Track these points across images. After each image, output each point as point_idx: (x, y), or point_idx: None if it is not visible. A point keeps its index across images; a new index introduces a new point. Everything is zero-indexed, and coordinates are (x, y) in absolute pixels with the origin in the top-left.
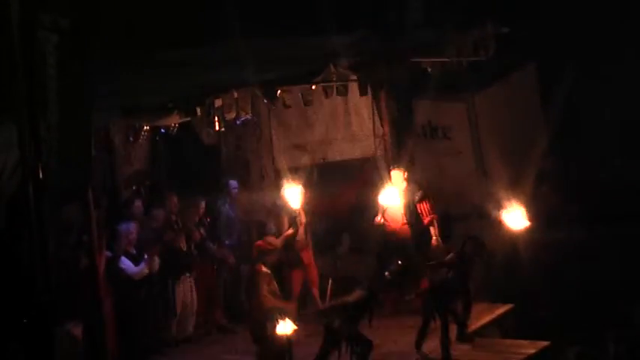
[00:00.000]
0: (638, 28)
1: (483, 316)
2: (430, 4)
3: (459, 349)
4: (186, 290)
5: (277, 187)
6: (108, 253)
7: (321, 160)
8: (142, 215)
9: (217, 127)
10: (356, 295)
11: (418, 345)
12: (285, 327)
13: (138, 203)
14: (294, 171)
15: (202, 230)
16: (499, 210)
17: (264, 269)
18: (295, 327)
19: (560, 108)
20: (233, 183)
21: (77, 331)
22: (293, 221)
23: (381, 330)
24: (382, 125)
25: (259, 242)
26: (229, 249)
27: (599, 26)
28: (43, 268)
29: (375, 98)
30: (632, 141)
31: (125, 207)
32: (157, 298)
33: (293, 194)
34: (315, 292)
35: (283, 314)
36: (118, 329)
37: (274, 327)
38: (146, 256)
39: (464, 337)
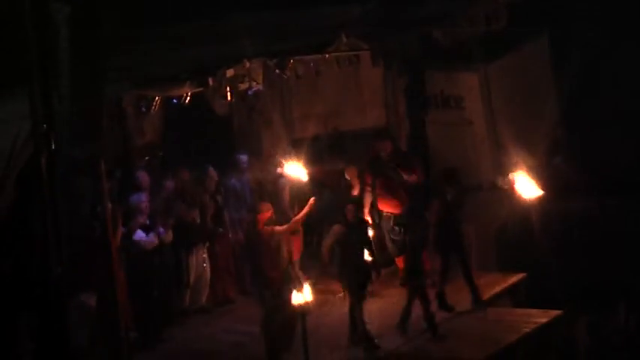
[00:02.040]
0: None
1: (496, 285)
2: None
3: (469, 318)
4: (199, 261)
5: (288, 157)
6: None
7: (333, 130)
8: (149, 185)
9: (229, 98)
10: (335, 230)
11: (403, 322)
12: (299, 296)
13: (143, 173)
14: (306, 141)
15: (219, 199)
16: (511, 180)
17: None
18: (311, 298)
19: (572, 78)
20: (243, 157)
21: (91, 301)
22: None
23: (388, 304)
24: (394, 95)
25: (259, 216)
26: (238, 222)
27: None
28: (56, 240)
29: (387, 68)
30: None
31: (135, 178)
32: (170, 269)
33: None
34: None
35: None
36: (131, 300)
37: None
38: (161, 229)
39: (479, 303)
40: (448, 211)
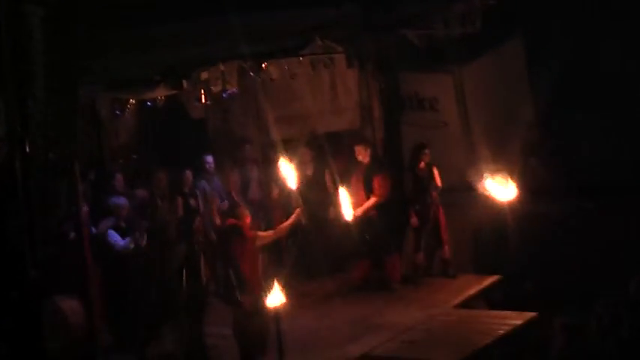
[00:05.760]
0: None
1: (470, 287)
2: None
3: (445, 322)
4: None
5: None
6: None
7: (308, 133)
8: (124, 189)
9: (204, 101)
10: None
11: None
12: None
13: (119, 176)
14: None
15: (192, 202)
16: (486, 182)
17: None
18: (283, 299)
19: (548, 80)
20: (208, 158)
21: (65, 304)
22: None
23: (359, 307)
24: (369, 97)
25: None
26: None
27: None
28: (31, 242)
29: (362, 70)
30: (620, 114)
31: (109, 180)
32: (145, 273)
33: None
34: None
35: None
36: (106, 303)
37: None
38: (137, 234)
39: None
40: (420, 185)
